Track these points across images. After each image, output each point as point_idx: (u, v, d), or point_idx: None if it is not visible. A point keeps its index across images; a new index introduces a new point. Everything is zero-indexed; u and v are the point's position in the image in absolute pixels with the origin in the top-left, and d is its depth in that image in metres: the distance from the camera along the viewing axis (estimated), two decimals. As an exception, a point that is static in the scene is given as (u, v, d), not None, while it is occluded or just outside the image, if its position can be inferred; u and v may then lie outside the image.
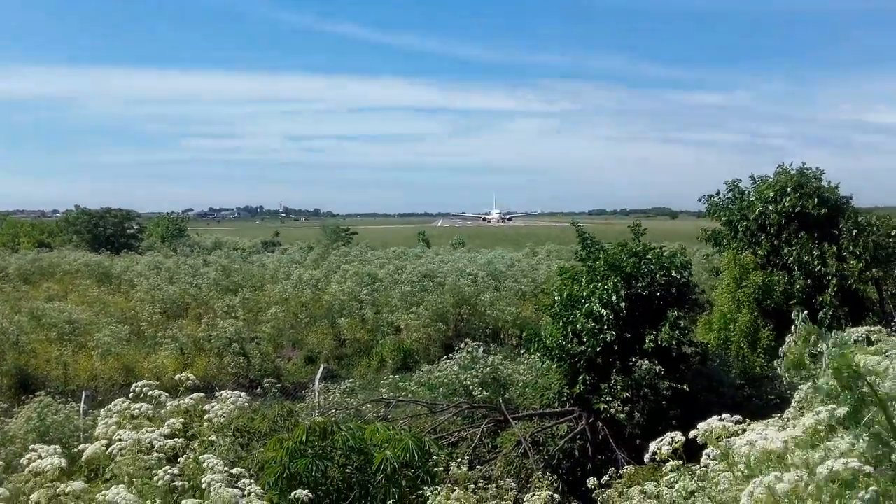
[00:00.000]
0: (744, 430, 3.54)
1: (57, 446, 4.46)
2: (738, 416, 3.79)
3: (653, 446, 4.33)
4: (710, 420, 3.87)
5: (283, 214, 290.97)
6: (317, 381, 16.51)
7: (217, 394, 6.10)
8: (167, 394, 5.75)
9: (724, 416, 3.87)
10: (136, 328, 25.70)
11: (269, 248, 64.38)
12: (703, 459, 3.89)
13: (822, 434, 2.82)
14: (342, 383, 16.74)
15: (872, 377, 2.65)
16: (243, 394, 5.68)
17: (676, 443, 4.22)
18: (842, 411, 2.66)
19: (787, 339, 2.94)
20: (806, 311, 3.10)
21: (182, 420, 5.32)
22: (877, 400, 2.63)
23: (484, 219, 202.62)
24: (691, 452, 3.90)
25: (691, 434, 3.97)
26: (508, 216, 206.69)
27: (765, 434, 3.06)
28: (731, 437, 3.62)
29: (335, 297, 29.63)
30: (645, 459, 4.49)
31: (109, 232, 63.99)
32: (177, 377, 5.87)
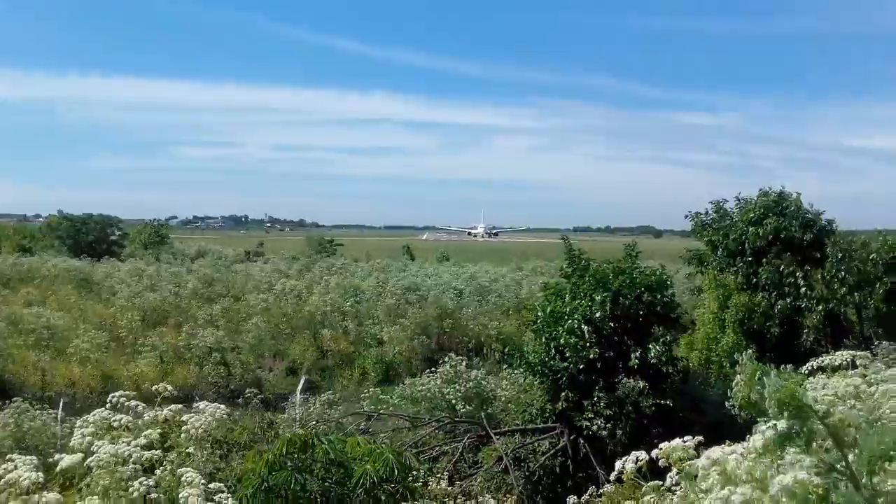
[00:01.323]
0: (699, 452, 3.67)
1: (34, 457, 4.39)
2: (699, 438, 3.86)
3: (618, 465, 4.36)
4: (673, 442, 3.92)
5: (269, 224, 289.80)
6: (298, 392, 16.39)
7: (195, 405, 6.04)
8: (144, 404, 5.68)
9: (685, 438, 3.94)
10: (115, 335, 25.43)
11: (252, 258, 64.05)
12: (668, 480, 3.94)
13: (772, 452, 2.96)
14: (323, 395, 16.62)
15: (821, 406, 2.74)
16: (222, 406, 5.62)
17: (641, 461, 4.26)
18: (783, 425, 2.79)
19: (735, 378, 3.05)
20: (751, 351, 3.24)
21: (160, 431, 5.25)
22: (825, 429, 2.71)
23: (469, 233, 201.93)
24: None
25: (653, 453, 4.01)
26: (494, 231, 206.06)
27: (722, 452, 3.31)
28: (692, 459, 3.70)
29: (318, 309, 29.50)
30: (611, 478, 4.51)
31: (91, 238, 63.46)
32: (154, 387, 5.81)
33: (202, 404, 6.11)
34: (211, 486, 4.29)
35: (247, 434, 10.73)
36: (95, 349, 22.18)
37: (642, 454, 4.19)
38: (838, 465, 2.71)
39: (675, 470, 3.84)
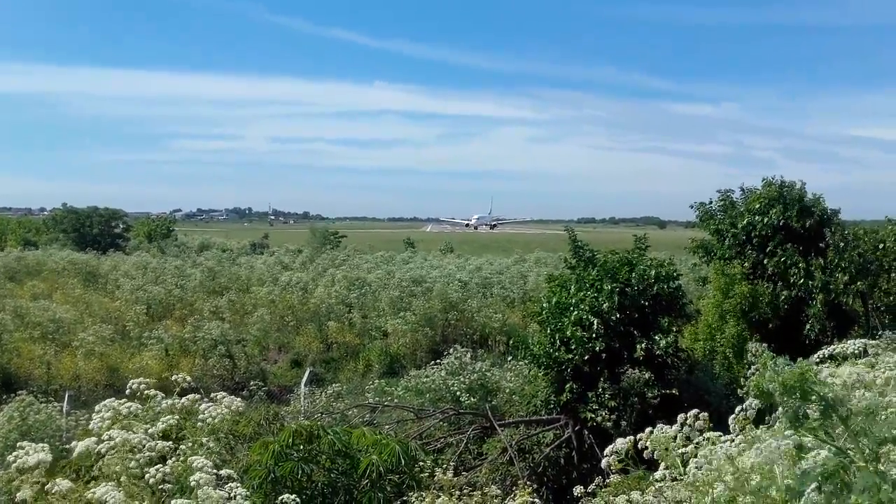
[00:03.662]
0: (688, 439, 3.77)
1: (45, 444, 4.41)
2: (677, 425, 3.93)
3: (606, 455, 4.38)
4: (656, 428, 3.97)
5: (272, 217, 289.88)
6: (303, 384, 16.42)
7: (213, 395, 6.03)
8: (163, 393, 5.70)
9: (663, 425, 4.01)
10: (120, 328, 25.47)
11: (257, 251, 64.07)
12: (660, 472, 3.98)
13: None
14: (329, 387, 16.64)
15: (829, 392, 2.79)
16: (237, 399, 5.64)
17: (620, 450, 4.29)
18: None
19: (749, 371, 3.12)
20: (764, 345, 3.33)
21: (174, 419, 5.27)
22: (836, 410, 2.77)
23: (467, 224, 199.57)
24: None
25: (641, 442, 4.05)
26: (493, 223, 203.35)
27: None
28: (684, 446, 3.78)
29: (323, 301, 29.51)
30: (603, 465, 4.52)
31: (96, 231, 63.57)
32: (173, 377, 5.82)
33: (219, 395, 6.13)
34: (222, 472, 4.31)
35: (252, 426, 10.74)
36: (100, 342, 22.21)
37: (621, 442, 4.21)
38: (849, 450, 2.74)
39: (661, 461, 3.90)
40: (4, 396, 13.10)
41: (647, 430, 4.07)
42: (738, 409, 3.77)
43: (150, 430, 4.76)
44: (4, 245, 56.44)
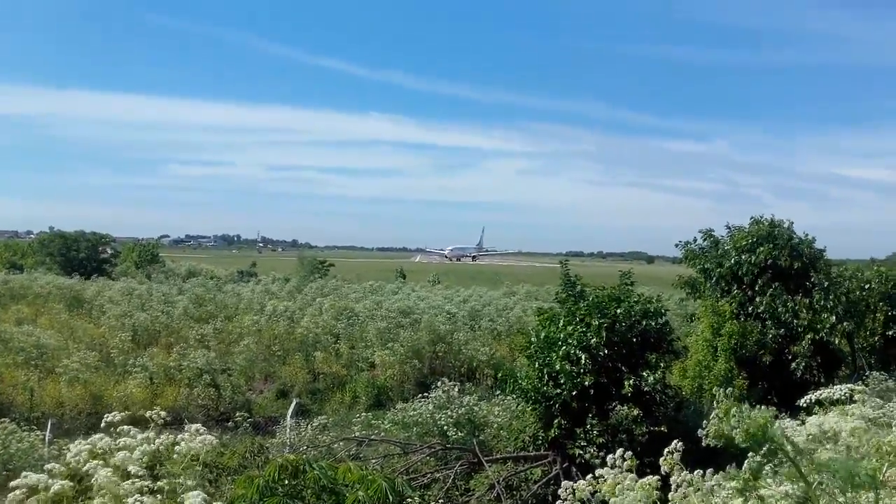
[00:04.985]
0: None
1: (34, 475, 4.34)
2: (628, 463, 3.94)
3: (563, 491, 4.34)
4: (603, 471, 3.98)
5: (261, 244, 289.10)
6: (289, 416, 16.28)
7: (186, 427, 5.94)
8: (136, 428, 5.61)
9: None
10: (105, 355, 25.21)
11: (245, 278, 63.84)
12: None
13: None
14: (315, 419, 16.50)
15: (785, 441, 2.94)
16: (211, 436, 5.57)
17: (580, 490, 4.25)
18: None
19: (711, 414, 3.23)
20: (727, 389, 3.44)
21: (147, 454, 5.19)
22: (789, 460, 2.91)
23: (445, 256, 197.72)
24: None
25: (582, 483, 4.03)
26: (473, 254, 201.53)
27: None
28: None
29: (309, 330, 29.36)
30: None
31: (83, 255, 63.13)
32: (148, 414, 5.75)
33: (193, 427, 6.01)
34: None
35: (237, 458, 10.65)
36: (85, 369, 21.96)
37: (574, 485, 4.15)
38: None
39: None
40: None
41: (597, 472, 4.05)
42: (665, 450, 3.88)
43: (128, 466, 4.70)
44: (-11, 268, 55.92)
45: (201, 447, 5.50)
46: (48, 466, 4.50)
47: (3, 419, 12.00)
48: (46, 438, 12.26)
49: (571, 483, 4.23)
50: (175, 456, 5.29)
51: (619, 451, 4.10)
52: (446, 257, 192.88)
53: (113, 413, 5.71)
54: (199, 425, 5.82)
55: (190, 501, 4.02)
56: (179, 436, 5.34)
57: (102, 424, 5.63)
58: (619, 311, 14.63)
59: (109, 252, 69.06)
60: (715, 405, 3.23)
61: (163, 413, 5.92)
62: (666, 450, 3.81)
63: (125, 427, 5.17)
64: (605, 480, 3.83)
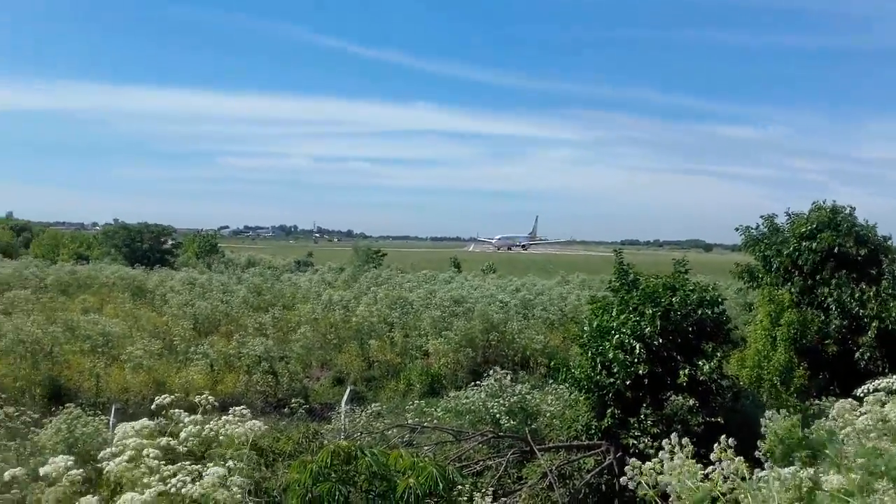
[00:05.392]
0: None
1: (70, 457, 4.52)
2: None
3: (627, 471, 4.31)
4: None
5: (317, 234, 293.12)
6: (343, 403, 16.50)
7: (231, 411, 6.09)
8: (187, 413, 5.79)
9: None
10: (167, 343, 25.96)
11: (301, 268, 64.89)
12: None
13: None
14: (369, 406, 16.70)
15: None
16: (255, 421, 5.69)
17: (646, 470, 4.20)
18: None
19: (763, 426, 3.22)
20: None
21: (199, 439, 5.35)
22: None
23: (493, 245, 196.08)
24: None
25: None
26: (523, 243, 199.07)
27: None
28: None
29: (365, 319, 29.69)
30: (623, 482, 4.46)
31: (146, 247, 65.12)
32: (198, 399, 5.92)
33: (238, 410, 6.15)
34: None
35: (292, 444, 10.84)
36: (148, 356, 22.66)
37: (648, 466, 4.13)
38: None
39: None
40: (53, 408, 13.43)
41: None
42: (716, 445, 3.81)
43: (174, 445, 4.85)
44: (58, 259, 58.08)
45: (246, 431, 5.64)
46: (105, 451, 4.68)
47: (69, 404, 12.46)
48: (111, 423, 12.69)
49: (639, 462, 4.21)
50: (222, 439, 5.45)
51: (675, 437, 4.07)
52: (494, 246, 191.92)
53: (163, 395, 5.92)
54: (244, 408, 5.98)
55: (209, 475, 4.13)
56: (224, 418, 5.50)
57: (153, 407, 5.84)
58: (673, 299, 14.39)
59: (171, 243, 71.06)
60: (764, 424, 3.21)
61: (212, 398, 6.10)
62: (716, 445, 3.75)
63: (175, 411, 5.35)
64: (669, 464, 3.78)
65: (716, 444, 3.77)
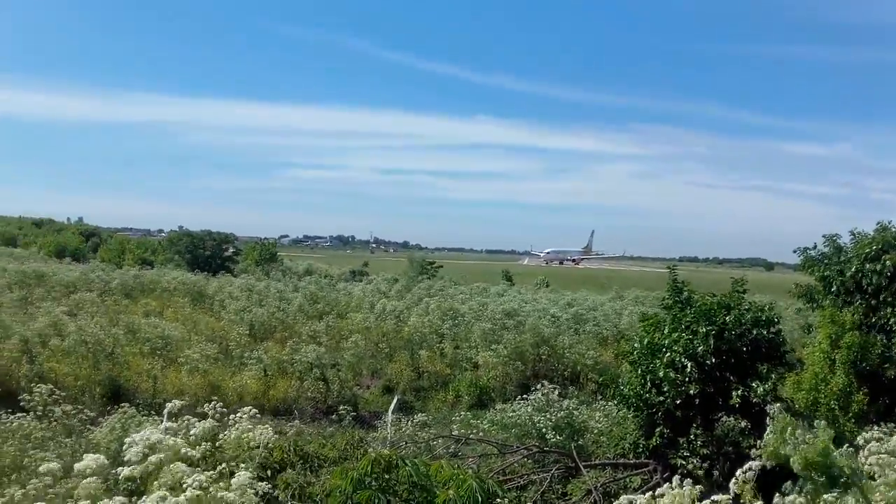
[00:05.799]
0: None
1: (101, 456, 4.70)
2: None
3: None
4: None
5: (374, 245, 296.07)
6: (390, 411, 16.61)
7: (239, 413, 6.16)
8: (207, 419, 5.93)
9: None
10: (224, 347, 26.53)
11: (357, 278, 65.62)
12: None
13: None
14: (416, 416, 16.77)
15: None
16: (266, 427, 5.80)
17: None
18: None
19: (766, 431, 3.11)
20: (782, 405, 3.34)
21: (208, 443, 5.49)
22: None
23: (543, 259, 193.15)
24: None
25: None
26: (574, 258, 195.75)
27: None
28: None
29: (416, 329, 29.83)
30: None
31: (208, 254, 66.79)
32: (205, 407, 6.08)
33: (246, 413, 6.23)
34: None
35: (336, 451, 10.98)
36: (204, 360, 23.19)
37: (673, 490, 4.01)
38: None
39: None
40: (109, 408, 13.89)
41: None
42: (738, 472, 3.65)
43: (188, 453, 4.98)
44: (123, 263, 60.02)
45: (255, 436, 5.76)
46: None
47: (125, 403, 12.88)
48: (164, 425, 13.05)
49: (670, 486, 4.12)
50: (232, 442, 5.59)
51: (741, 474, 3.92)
52: (543, 260, 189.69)
53: (172, 402, 6.10)
54: (253, 409, 6.12)
55: (237, 481, 4.24)
56: (237, 425, 5.64)
57: (165, 411, 6.05)
58: (728, 318, 14.12)
59: (232, 250, 72.70)
60: (768, 422, 3.13)
61: (219, 405, 6.25)
62: (739, 471, 3.65)
63: (187, 417, 5.52)
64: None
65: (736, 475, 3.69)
